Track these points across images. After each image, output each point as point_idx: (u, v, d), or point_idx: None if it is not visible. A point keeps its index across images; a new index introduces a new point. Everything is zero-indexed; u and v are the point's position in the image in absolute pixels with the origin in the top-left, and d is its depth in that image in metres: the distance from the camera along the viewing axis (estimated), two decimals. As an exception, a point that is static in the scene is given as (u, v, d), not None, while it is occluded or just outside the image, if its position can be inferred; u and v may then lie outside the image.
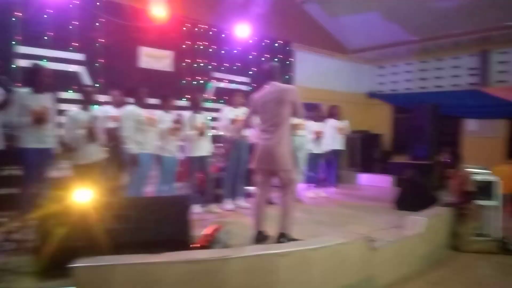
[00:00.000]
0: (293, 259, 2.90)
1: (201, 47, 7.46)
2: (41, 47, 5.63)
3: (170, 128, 4.94)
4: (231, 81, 7.84)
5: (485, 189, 4.90)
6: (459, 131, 9.48)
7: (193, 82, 7.28)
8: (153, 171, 5.02)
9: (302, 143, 6.21)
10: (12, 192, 4.33)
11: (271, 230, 3.84)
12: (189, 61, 7.27)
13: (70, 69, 5.92)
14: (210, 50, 7.58)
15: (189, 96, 5.80)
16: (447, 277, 3.88)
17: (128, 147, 4.64)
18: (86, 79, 6.04)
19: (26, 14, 5.42)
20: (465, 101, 9.13)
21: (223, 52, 7.74)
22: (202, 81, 7.43)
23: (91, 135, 4.29)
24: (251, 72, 8.11)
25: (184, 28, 7.24)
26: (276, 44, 8.71)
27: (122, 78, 6.17)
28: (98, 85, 5.96)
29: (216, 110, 6.61)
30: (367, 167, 9.44)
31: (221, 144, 6.27)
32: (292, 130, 6.43)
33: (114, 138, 4.69)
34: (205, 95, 7.28)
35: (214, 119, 6.15)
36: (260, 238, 3.88)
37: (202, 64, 7.45)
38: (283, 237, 3.63)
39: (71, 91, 5.80)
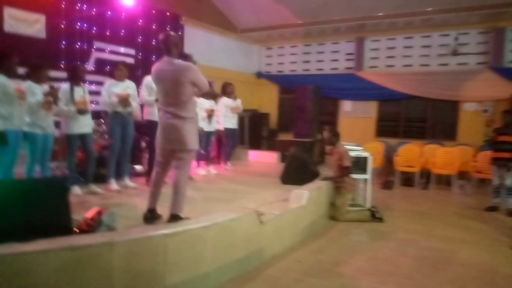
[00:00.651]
0: (183, 238, 2.84)
1: (81, 8, 6.57)
2: None
3: (42, 102, 4.37)
4: (114, 52, 7.24)
5: (359, 164, 5.48)
6: (337, 111, 10.39)
7: (71, 51, 6.51)
8: (23, 150, 4.43)
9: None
10: None
11: (164, 210, 3.70)
12: (66, 26, 6.45)
13: None
14: (92, 13, 6.74)
15: (66, 67, 5.18)
16: (326, 245, 4.26)
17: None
18: None
19: None
20: (342, 84, 10.03)
21: (105, 16, 6.97)
22: (81, 50, 6.68)
23: None
24: (136, 44, 7.59)
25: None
26: (166, 16, 8.27)
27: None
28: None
29: (98, 83, 6.05)
30: (256, 145, 9.92)
31: (102, 121, 5.84)
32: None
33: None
34: (85, 66, 6.59)
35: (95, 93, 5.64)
36: (151, 217, 3.73)
37: (81, 30, 6.66)
38: (173, 219, 3.51)
39: None
